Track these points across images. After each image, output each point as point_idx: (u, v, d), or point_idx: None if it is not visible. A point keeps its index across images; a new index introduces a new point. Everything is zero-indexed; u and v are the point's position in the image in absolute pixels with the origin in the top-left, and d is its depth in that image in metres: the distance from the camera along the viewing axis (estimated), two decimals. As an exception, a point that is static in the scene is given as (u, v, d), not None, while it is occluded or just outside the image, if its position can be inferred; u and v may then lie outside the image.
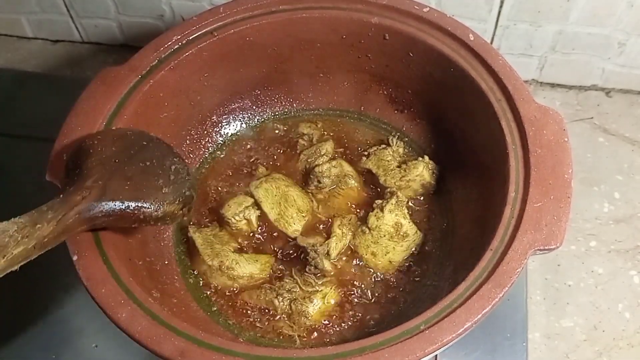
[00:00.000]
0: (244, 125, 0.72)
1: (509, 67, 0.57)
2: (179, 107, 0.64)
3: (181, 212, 0.52)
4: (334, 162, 0.66)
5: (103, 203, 0.47)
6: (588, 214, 0.74)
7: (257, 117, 0.72)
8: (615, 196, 0.76)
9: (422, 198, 0.66)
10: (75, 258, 0.49)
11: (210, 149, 0.70)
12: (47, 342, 0.66)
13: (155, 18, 0.87)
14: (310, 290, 0.59)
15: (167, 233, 0.64)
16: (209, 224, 0.65)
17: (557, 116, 0.54)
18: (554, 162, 0.52)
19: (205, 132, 0.69)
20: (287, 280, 0.60)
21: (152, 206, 0.49)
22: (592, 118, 0.82)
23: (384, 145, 0.68)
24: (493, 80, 0.57)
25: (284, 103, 0.73)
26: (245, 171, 0.69)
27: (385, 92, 0.70)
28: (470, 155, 0.62)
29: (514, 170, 0.52)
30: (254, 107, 0.72)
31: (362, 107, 0.72)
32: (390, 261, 0.61)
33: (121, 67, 0.59)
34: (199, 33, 0.62)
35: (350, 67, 0.68)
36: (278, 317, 0.59)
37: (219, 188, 0.69)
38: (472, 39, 0.59)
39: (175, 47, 0.61)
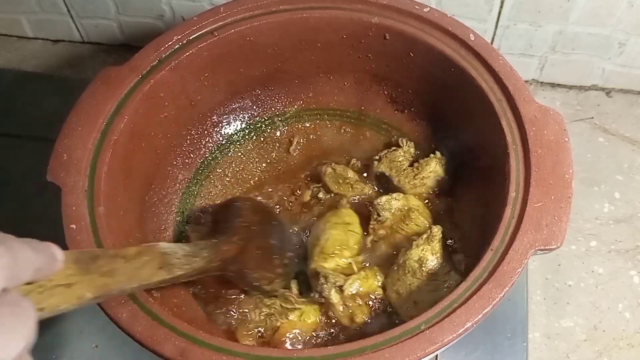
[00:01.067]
0: (244, 125, 0.72)
1: (509, 67, 0.57)
2: (179, 107, 0.64)
3: (279, 291, 0.59)
4: (395, 195, 0.63)
5: (238, 260, 0.55)
6: (588, 214, 0.74)
7: (258, 117, 0.72)
8: (616, 196, 0.76)
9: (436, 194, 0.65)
10: (75, 258, 0.49)
11: (210, 148, 0.70)
12: (47, 342, 0.66)
13: (155, 18, 0.87)
14: (289, 307, 0.58)
15: (168, 233, 0.64)
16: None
17: (558, 116, 0.54)
18: (555, 162, 0.52)
19: (206, 132, 0.69)
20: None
21: (268, 280, 0.58)
22: (592, 118, 0.82)
23: (394, 147, 0.68)
24: (493, 80, 0.57)
25: (284, 103, 0.73)
26: (246, 173, 0.69)
27: (385, 92, 0.70)
28: (471, 155, 0.62)
29: (515, 170, 0.52)
30: (255, 107, 0.72)
31: (363, 107, 0.72)
32: (415, 302, 0.56)
33: (121, 67, 0.59)
34: (200, 33, 0.62)
35: (350, 67, 0.68)
36: (251, 328, 0.58)
37: (219, 188, 0.69)
38: (472, 39, 0.59)
39: (176, 47, 0.61)
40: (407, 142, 0.68)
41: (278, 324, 0.57)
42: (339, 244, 0.61)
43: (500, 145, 0.54)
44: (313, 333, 0.58)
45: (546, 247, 0.48)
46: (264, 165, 0.71)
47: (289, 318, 0.57)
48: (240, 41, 0.63)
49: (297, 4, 0.63)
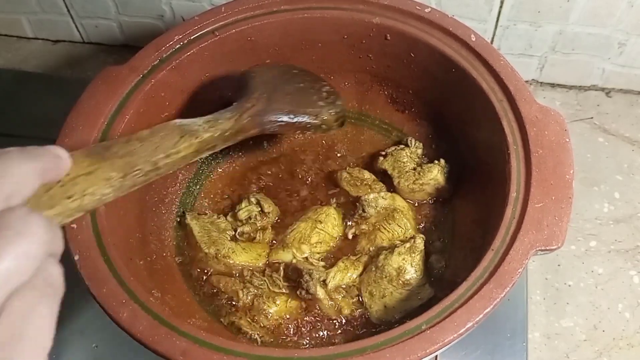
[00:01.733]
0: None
1: (510, 67, 0.57)
2: (180, 106, 0.64)
3: (335, 123, 0.59)
4: (383, 194, 0.64)
5: (269, 110, 0.55)
6: (588, 214, 0.74)
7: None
8: (615, 196, 0.76)
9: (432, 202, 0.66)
10: (76, 258, 0.49)
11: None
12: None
13: (155, 18, 0.87)
14: (276, 290, 0.59)
15: (169, 232, 0.64)
16: (207, 212, 0.66)
17: (558, 116, 0.54)
18: (555, 162, 0.52)
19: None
20: (257, 275, 0.60)
21: (312, 114, 0.57)
22: (592, 118, 0.82)
23: (402, 146, 0.68)
24: (494, 80, 0.57)
25: (284, 103, 0.73)
26: (249, 172, 0.70)
27: (386, 92, 0.70)
28: (472, 155, 0.63)
29: (515, 170, 0.52)
30: (255, 107, 0.72)
31: (363, 108, 0.72)
32: (385, 305, 0.58)
33: (122, 66, 0.59)
34: (200, 33, 0.62)
35: (351, 67, 0.68)
36: (240, 310, 0.59)
37: (219, 188, 0.69)
38: (473, 39, 0.59)
39: (177, 46, 0.61)
40: (415, 143, 0.68)
41: (265, 306, 0.58)
42: (300, 238, 0.62)
43: (501, 146, 0.54)
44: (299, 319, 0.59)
45: (547, 248, 0.48)
46: (263, 165, 0.71)
47: (277, 303, 0.58)
48: (242, 41, 0.63)
49: (298, 4, 0.63)
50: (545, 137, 0.53)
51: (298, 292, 0.58)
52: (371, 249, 0.62)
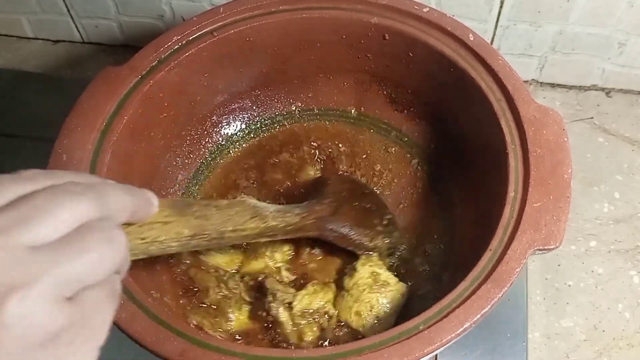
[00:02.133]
0: (244, 126, 0.72)
1: (508, 67, 0.57)
2: (179, 107, 0.64)
3: (386, 252, 0.61)
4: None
5: (333, 220, 0.57)
6: (588, 214, 0.74)
7: (258, 117, 0.72)
8: (615, 196, 0.76)
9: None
10: (75, 258, 0.49)
11: (210, 149, 0.70)
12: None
13: (155, 18, 0.87)
14: (246, 299, 0.58)
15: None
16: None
17: (557, 116, 0.54)
18: (554, 162, 0.52)
19: (205, 132, 0.69)
20: (235, 279, 0.60)
21: (369, 235, 0.59)
22: (592, 118, 0.82)
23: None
24: (493, 80, 0.57)
25: (284, 103, 0.73)
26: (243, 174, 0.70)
27: (385, 92, 0.70)
28: (470, 155, 0.62)
29: (514, 170, 0.52)
30: (254, 107, 0.72)
31: (362, 108, 0.72)
32: (377, 317, 0.56)
33: (121, 67, 0.59)
34: (199, 33, 0.62)
35: (350, 67, 0.68)
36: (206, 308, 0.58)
37: (219, 189, 0.69)
38: (472, 39, 0.59)
39: (176, 47, 0.61)
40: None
41: (230, 311, 0.57)
42: (272, 246, 0.61)
43: (499, 145, 0.54)
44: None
45: (545, 247, 0.48)
46: (263, 165, 0.71)
47: (241, 311, 0.58)
48: (240, 41, 0.63)
49: (296, 4, 0.63)
50: (544, 136, 0.53)
51: (259, 312, 0.57)
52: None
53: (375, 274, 0.58)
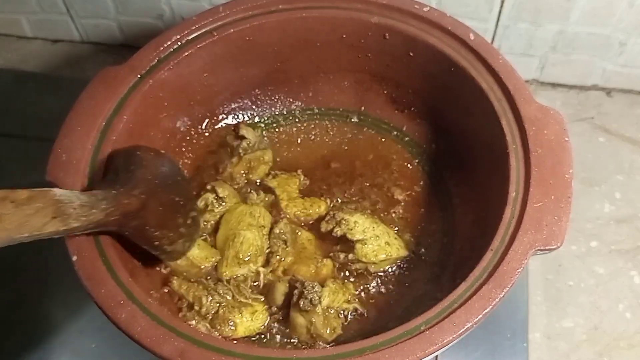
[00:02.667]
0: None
1: (509, 66, 0.57)
2: (178, 107, 0.64)
3: (181, 255, 0.58)
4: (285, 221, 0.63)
5: (139, 216, 0.51)
6: (589, 214, 0.74)
7: (257, 117, 0.72)
8: (616, 196, 0.76)
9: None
10: (74, 258, 0.49)
11: (209, 149, 0.70)
12: (47, 342, 0.66)
13: (155, 18, 0.87)
14: (242, 301, 0.58)
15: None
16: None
17: (558, 116, 0.54)
18: (555, 162, 0.51)
19: (205, 132, 0.69)
20: (222, 284, 0.59)
21: (168, 239, 0.55)
22: (592, 118, 0.82)
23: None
24: (493, 79, 0.57)
25: (284, 103, 0.73)
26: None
27: (385, 91, 0.70)
28: (471, 154, 0.62)
29: (515, 170, 0.52)
30: (254, 107, 0.72)
31: (363, 107, 0.72)
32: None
33: (121, 67, 0.59)
34: (199, 33, 0.62)
35: (350, 66, 0.68)
36: (201, 318, 0.57)
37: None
38: (472, 38, 0.59)
39: (175, 47, 0.61)
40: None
41: (231, 316, 0.56)
42: (255, 250, 0.60)
43: (500, 145, 0.54)
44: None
45: (546, 247, 0.47)
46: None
47: (242, 314, 0.57)
48: (240, 41, 0.63)
49: (296, 3, 0.63)
50: (545, 136, 0.53)
51: (301, 303, 0.55)
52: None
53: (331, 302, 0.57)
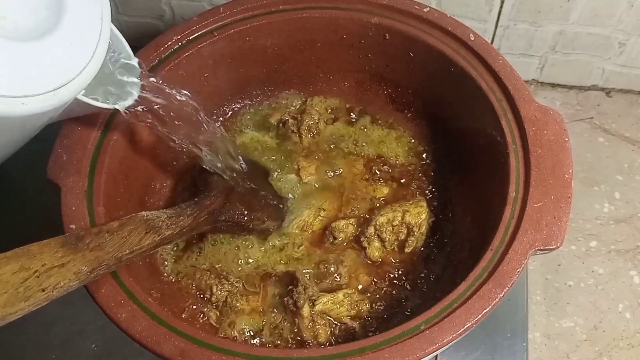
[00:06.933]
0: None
1: (509, 67, 0.57)
2: (178, 107, 0.64)
3: (273, 229, 0.63)
4: (352, 220, 0.63)
5: (225, 210, 0.57)
6: (588, 214, 0.74)
7: (257, 117, 0.72)
8: (616, 196, 0.76)
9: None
10: (75, 258, 0.49)
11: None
12: (47, 342, 0.66)
13: (155, 18, 0.87)
14: (251, 290, 0.59)
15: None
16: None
17: (558, 116, 0.54)
18: (555, 162, 0.52)
19: (205, 132, 0.69)
20: (234, 273, 0.60)
21: (259, 219, 0.60)
22: (592, 118, 0.82)
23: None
24: (493, 80, 0.57)
25: (284, 103, 0.72)
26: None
27: (385, 91, 0.70)
28: (471, 154, 0.62)
29: (514, 170, 0.52)
30: (254, 107, 0.72)
31: (363, 107, 0.72)
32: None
33: (121, 67, 0.59)
34: (199, 33, 0.62)
35: (350, 67, 0.68)
36: (210, 306, 0.59)
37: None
38: (472, 38, 0.59)
39: (176, 47, 0.61)
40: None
41: (238, 304, 0.58)
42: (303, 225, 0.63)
43: (500, 145, 0.54)
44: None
45: (546, 247, 0.48)
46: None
47: (249, 303, 0.58)
48: (240, 41, 0.63)
49: (296, 4, 0.63)
50: (545, 136, 0.53)
51: (285, 300, 0.57)
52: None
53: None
